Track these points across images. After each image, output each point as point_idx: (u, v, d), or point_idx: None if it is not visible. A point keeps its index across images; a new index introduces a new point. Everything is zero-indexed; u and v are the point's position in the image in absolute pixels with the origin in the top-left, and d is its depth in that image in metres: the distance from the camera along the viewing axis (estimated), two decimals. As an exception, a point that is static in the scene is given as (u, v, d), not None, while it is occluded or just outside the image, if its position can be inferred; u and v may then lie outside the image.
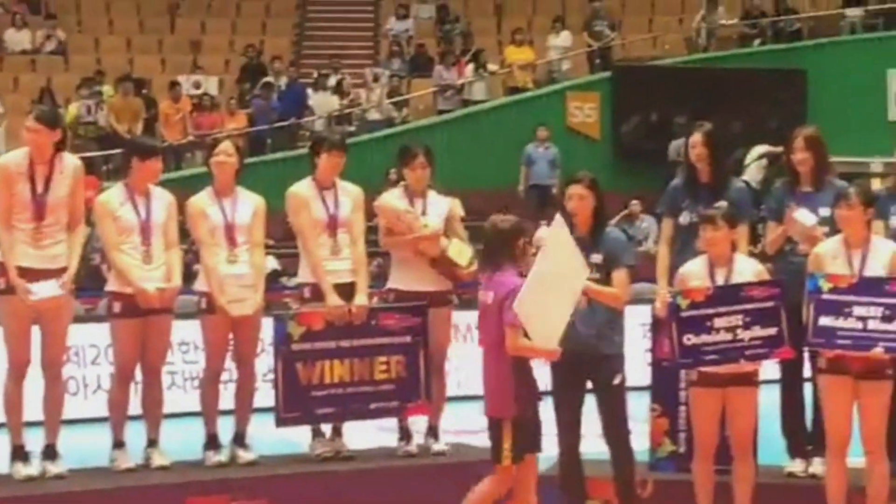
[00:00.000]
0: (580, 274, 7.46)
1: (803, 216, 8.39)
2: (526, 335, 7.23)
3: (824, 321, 7.83)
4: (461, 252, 9.34)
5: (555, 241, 7.34)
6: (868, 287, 7.82)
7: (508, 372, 7.33)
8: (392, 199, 9.36)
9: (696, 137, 8.79)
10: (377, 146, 21.71)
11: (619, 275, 7.97)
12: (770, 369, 8.52)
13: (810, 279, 7.94)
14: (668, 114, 22.75)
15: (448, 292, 9.45)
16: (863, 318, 7.77)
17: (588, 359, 7.85)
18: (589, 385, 8.06)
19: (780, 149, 13.20)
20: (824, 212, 8.46)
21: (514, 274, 7.36)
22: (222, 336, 8.97)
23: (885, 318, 7.75)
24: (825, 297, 7.83)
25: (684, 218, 8.73)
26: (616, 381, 7.99)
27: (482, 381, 7.59)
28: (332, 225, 9.13)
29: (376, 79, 24.07)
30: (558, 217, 7.52)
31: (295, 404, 8.89)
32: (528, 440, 7.42)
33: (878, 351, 7.76)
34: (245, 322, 8.91)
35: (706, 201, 8.52)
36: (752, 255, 8.60)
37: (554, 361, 7.64)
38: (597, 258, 7.85)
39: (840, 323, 7.81)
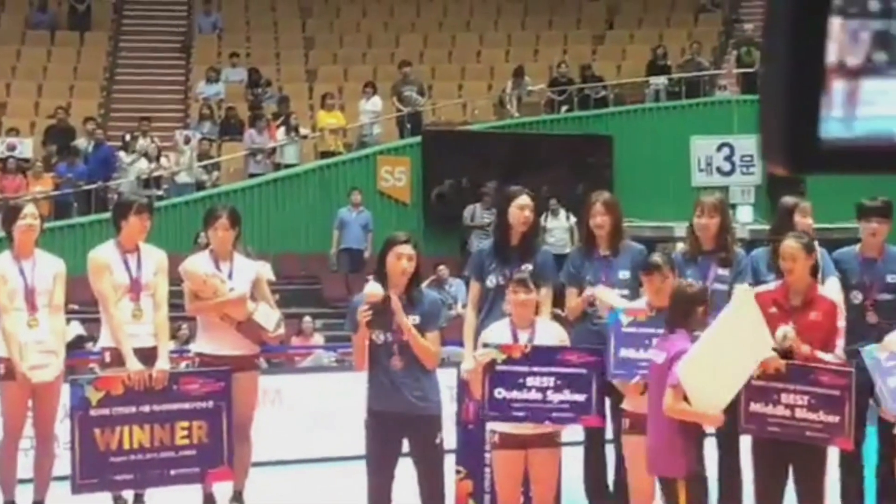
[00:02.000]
0: (763, 349, 7.52)
1: (607, 296, 8.54)
2: (686, 398, 7.30)
3: (624, 353, 7.98)
4: (268, 316, 9.27)
5: (739, 311, 7.35)
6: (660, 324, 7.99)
7: (678, 430, 7.37)
8: (198, 262, 9.27)
9: (526, 201, 8.82)
10: (187, 210, 21.53)
11: (434, 336, 7.98)
12: (574, 430, 8.60)
13: (611, 314, 8.09)
14: (479, 178, 22.95)
15: (254, 356, 9.40)
16: None
17: (408, 419, 7.83)
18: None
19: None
20: (623, 274, 8.62)
21: (687, 337, 7.43)
22: (22, 402, 8.78)
23: None
24: (625, 330, 7.98)
25: (491, 281, 8.79)
26: (437, 441, 7.97)
27: (648, 441, 7.56)
28: (135, 288, 9.02)
29: (187, 141, 23.88)
30: (744, 287, 7.67)
31: (92, 470, 8.70)
32: (702, 496, 7.52)
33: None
34: (45, 388, 8.73)
35: (513, 265, 8.59)
36: (556, 318, 8.69)
37: (370, 420, 7.67)
38: (414, 319, 7.87)
39: (640, 355, 7.95)
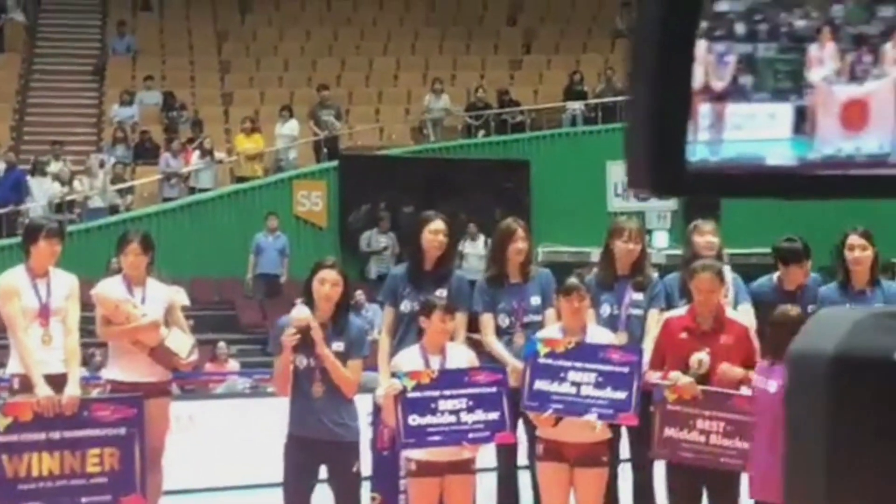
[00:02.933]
0: None
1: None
2: None
3: (539, 385, 7.93)
4: (181, 342, 9.18)
5: None
6: (584, 353, 7.95)
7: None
8: (110, 287, 9.15)
9: (439, 226, 8.78)
10: (100, 234, 21.27)
11: (356, 364, 8.00)
12: (488, 456, 8.57)
13: (528, 344, 8.06)
14: (396, 203, 22.90)
15: (167, 383, 9.33)
16: (576, 384, 7.90)
17: (326, 445, 7.83)
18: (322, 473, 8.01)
19: None
20: (535, 300, 8.62)
21: None
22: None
23: (598, 385, 7.87)
24: (541, 360, 7.94)
25: (405, 306, 8.73)
26: (355, 468, 7.99)
27: (755, 466, 7.46)
28: (45, 314, 8.88)
29: (101, 165, 23.63)
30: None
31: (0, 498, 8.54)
32: None
33: (591, 417, 7.86)
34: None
35: (428, 290, 8.54)
36: (472, 344, 8.67)
37: (289, 445, 7.69)
38: (339, 346, 7.84)
39: (555, 387, 7.92)
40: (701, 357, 7.90)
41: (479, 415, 7.98)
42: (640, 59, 1.22)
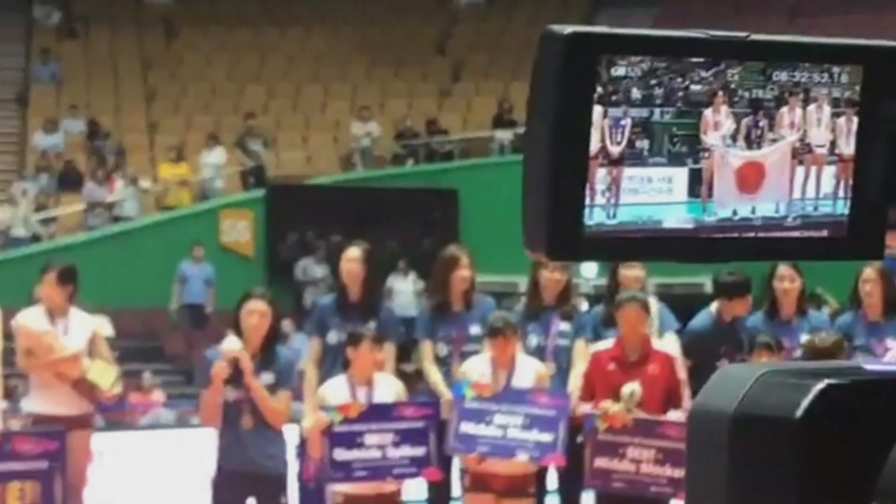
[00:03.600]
0: None
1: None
2: None
3: (465, 427, 7.93)
4: (104, 373, 9.10)
5: None
6: (510, 396, 7.96)
7: None
8: (31, 318, 9.05)
9: (354, 254, 8.76)
10: (22, 264, 21.04)
11: (286, 396, 8.01)
12: (419, 489, 8.55)
13: (456, 387, 8.06)
14: (324, 232, 22.85)
15: (89, 415, 9.25)
16: (503, 427, 7.91)
17: (255, 478, 7.83)
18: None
19: None
20: (475, 329, 8.62)
21: None
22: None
23: (525, 427, 7.88)
24: (467, 405, 7.94)
25: (332, 338, 8.70)
26: (282, 500, 8.01)
27: (682, 493, 7.33)
28: (-36, 345, 8.77)
29: (24, 194, 23.42)
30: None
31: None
32: None
33: (523, 458, 7.88)
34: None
35: (355, 321, 8.52)
36: (401, 375, 8.66)
37: (217, 477, 7.73)
38: (268, 377, 7.82)
39: (481, 429, 7.92)
40: (633, 389, 7.94)
41: (406, 450, 7.96)
42: (537, 123, 1.22)
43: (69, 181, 24.44)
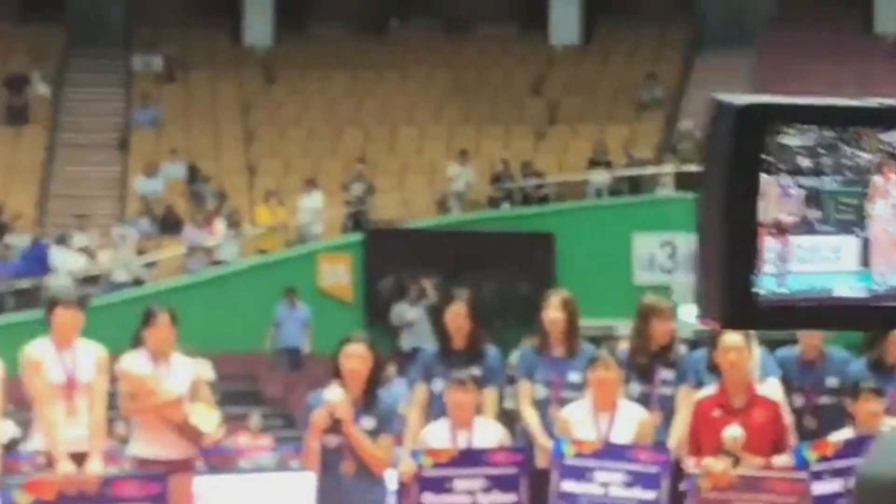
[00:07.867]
0: None
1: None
2: None
3: (566, 486, 7.85)
4: (207, 417, 9.12)
5: None
6: (611, 452, 7.86)
7: None
8: (135, 362, 9.09)
9: (459, 309, 8.75)
10: (124, 307, 21.22)
11: (387, 441, 7.97)
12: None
13: (555, 443, 7.96)
14: (421, 276, 22.85)
15: (192, 459, 9.26)
16: (605, 484, 7.81)
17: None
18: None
19: None
20: (573, 377, 8.52)
21: None
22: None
23: (627, 485, 7.78)
24: (568, 461, 7.86)
25: (436, 385, 8.66)
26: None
27: None
28: (70, 387, 8.81)
29: (123, 238, 23.68)
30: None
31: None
32: None
33: None
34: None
35: (459, 367, 8.49)
36: (505, 416, 8.62)
37: None
38: (369, 422, 7.79)
39: (582, 488, 7.83)
40: (735, 434, 7.82)
41: (496, 496, 7.93)
42: (708, 194, 1.24)
43: (169, 225, 24.68)
